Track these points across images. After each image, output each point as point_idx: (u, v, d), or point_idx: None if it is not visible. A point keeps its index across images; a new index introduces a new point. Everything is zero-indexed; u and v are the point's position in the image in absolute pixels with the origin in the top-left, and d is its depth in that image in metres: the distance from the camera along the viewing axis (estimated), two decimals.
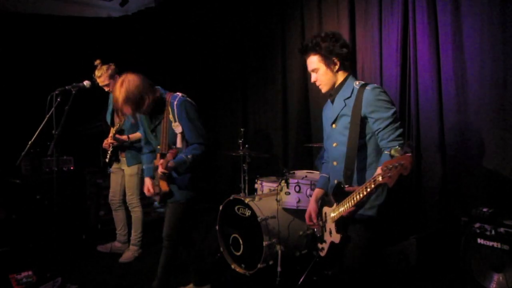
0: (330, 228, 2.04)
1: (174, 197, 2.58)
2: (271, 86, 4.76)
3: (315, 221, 2.15)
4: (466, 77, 2.99)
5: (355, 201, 1.77)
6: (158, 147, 2.58)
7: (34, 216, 4.05)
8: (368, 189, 1.68)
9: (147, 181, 2.66)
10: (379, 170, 1.62)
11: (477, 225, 2.48)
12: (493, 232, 2.39)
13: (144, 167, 2.80)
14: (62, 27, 5.60)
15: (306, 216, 2.19)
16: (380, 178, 1.60)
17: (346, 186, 1.92)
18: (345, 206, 1.85)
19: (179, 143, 2.50)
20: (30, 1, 5.44)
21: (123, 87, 2.35)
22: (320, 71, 2.00)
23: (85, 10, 5.95)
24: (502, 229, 2.36)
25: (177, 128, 2.49)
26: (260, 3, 4.77)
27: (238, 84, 5.20)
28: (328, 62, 1.97)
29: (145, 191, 2.66)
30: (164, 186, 2.55)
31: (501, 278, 2.36)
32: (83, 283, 3.22)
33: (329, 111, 2.10)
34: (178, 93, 2.56)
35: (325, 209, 2.11)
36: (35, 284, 3.16)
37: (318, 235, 2.20)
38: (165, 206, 2.70)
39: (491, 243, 2.40)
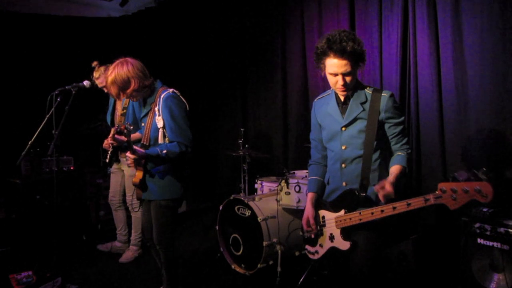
0: (332, 233, 2.02)
1: (154, 195, 2.51)
2: (271, 86, 4.76)
3: (313, 226, 2.11)
4: (466, 77, 2.99)
5: (386, 213, 1.78)
6: None
7: (34, 216, 4.05)
8: (413, 207, 1.69)
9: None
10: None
11: (477, 225, 2.48)
12: (493, 232, 2.39)
13: None
14: (62, 27, 5.60)
15: (304, 221, 2.16)
16: (432, 199, 1.62)
17: (362, 194, 1.93)
18: (366, 215, 1.85)
19: (160, 138, 2.46)
20: (29, 1, 5.44)
21: (115, 69, 2.38)
22: (351, 76, 1.93)
23: (85, 10, 5.95)
24: (502, 229, 2.36)
25: (159, 122, 2.45)
26: (260, 3, 4.77)
27: (238, 84, 5.20)
28: (359, 65, 1.94)
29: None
30: (137, 177, 2.49)
31: (501, 278, 2.36)
32: (83, 283, 3.23)
33: (334, 112, 2.07)
34: (170, 89, 2.52)
35: (323, 212, 2.09)
36: (35, 284, 3.16)
37: (307, 237, 2.18)
38: (143, 203, 2.66)
39: (491, 243, 2.40)
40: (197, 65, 5.72)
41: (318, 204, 2.16)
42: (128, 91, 2.40)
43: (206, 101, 5.59)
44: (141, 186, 2.51)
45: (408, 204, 1.69)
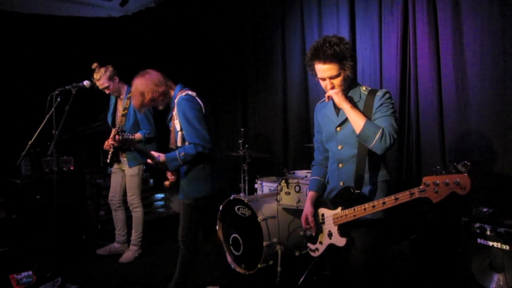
0: (330, 231, 2.03)
1: (181, 194, 2.63)
2: (271, 86, 4.76)
3: (312, 224, 2.14)
4: (466, 77, 2.98)
5: (377, 209, 1.80)
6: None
7: (34, 216, 4.05)
8: (401, 201, 1.71)
9: None
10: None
11: (477, 225, 2.48)
12: (493, 232, 2.39)
13: None
14: (62, 27, 5.60)
15: (303, 218, 2.19)
16: (417, 193, 1.62)
17: (357, 191, 1.93)
18: (359, 211, 1.86)
19: (179, 141, 2.53)
20: (30, 1, 5.44)
21: (134, 83, 2.53)
22: (339, 78, 1.93)
23: (85, 10, 5.95)
24: (502, 229, 2.35)
25: (177, 126, 2.52)
26: (260, 3, 4.77)
27: (238, 84, 5.19)
28: (345, 68, 1.93)
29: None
30: (169, 180, 2.66)
31: (501, 278, 2.36)
32: (83, 283, 3.23)
33: (331, 113, 2.09)
34: (185, 91, 2.57)
35: (323, 210, 2.11)
36: (35, 284, 3.16)
37: (308, 235, 2.20)
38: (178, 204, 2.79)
39: (491, 243, 2.40)
40: (197, 65, 5.72)
41: (318, 202, 2.18)
42: (146, 101, 2.52)
43: (206, 101, 5.58)
44: (174, 188, 2.67)
45: (396, 199, 1.73)
